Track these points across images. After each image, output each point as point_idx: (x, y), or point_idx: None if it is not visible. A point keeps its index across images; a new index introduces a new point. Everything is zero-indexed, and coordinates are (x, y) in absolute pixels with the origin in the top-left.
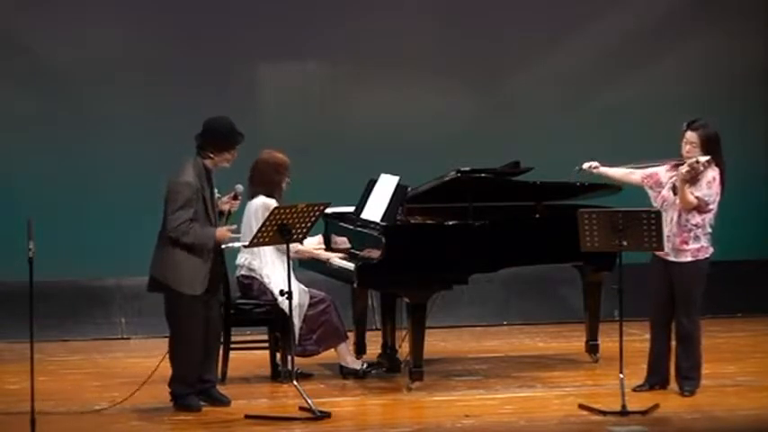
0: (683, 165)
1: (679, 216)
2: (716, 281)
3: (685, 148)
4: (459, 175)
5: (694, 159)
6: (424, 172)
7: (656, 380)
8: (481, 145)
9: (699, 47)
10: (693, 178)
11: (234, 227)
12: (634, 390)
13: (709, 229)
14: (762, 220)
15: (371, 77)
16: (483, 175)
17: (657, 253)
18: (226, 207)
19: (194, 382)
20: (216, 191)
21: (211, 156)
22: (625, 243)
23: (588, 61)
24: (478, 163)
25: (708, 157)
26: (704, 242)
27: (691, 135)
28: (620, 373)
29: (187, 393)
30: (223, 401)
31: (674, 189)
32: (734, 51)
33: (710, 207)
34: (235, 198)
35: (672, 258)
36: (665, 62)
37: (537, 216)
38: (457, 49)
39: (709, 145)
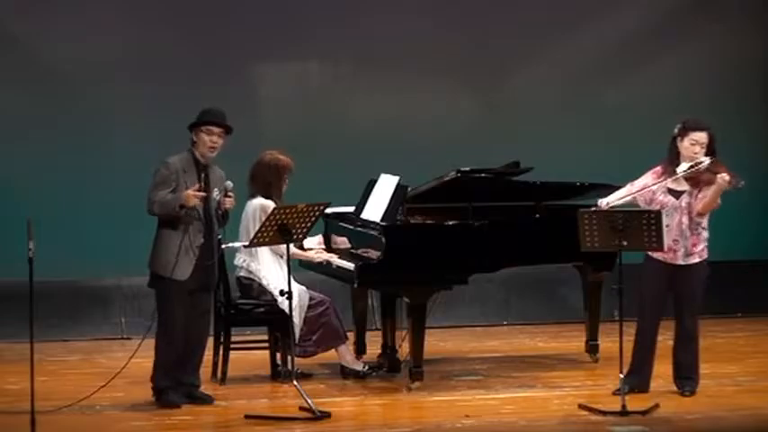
0: (697, 170)
1: (690, 220)
2: (716, 281)
3: (694, 150)
4: (459, 175)
5: (721, 168)
6: (424, 172)
7: (637, 382)
8: (481, 145)
9: (699, 46)
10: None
11: (197, 186)
12: (614, 393)
13: None
14: (762, 220)
15: (371, 77)
16: (483, 175)
17: (659, 256)
18: (224, 207)
19: (173, 375)
20: (216, 190)
21: (193, 137)
22: (625, 243)
23: (588, 61)
24: (478, 163)
25: (709, 158)
26: (706, 241)
27: (702, 135)
28: (621, 373)
29: (167, 388)
30: (206, 401)
31: (672, 192)
32: (734, 51)
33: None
34: (226, 195)
35: (681, 262)
36: (665, 62)
37: (537, 216)
38: (457, 50)
39: (714, 144)
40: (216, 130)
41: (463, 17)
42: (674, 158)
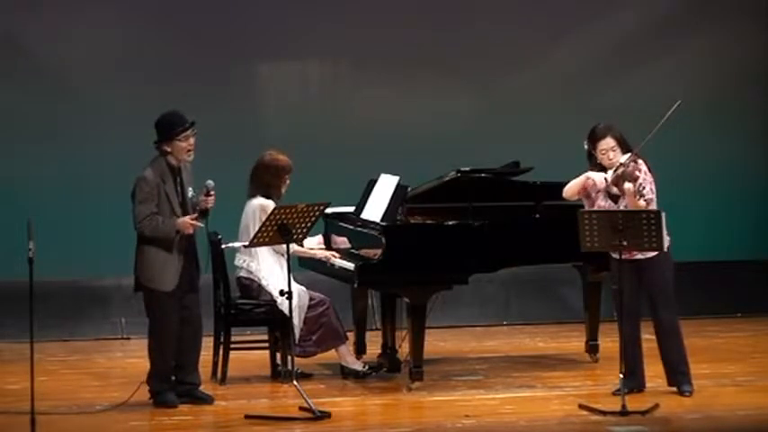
0: (619, 174)
1: None
2: (716, 281)
3: (608, 156)
4: (459, 175)
5: (628, 167)
6: (424, 172)
7: (634, 383)
8: (481, 145)
9: (699, 46)
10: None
11: (196, 215)
12: (614, 393)
13: None
14: (761, 220)
15: (371, 77)
16: (483, 175)
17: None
18: (204, 206)
19: (169, 378)
20: (190, 189)
21: (167, 149)
22: (625, 243)
23: (588, 61)
24: (478, 163)
25: (628, 155)
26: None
27: (607, 142)
28: (620, 373)
29: (164, 390)
30: (206, 401)
31: (612, 197)
32: (734, 51)
33: (653, 198)
34: (207, 194)
35: (640, 256)
36: (666, 62)
37: (537, 216)
38: (456, 49)
39: (624, 142)
40: (189, 133)
41: (463, 17)
42: (598, 169)
